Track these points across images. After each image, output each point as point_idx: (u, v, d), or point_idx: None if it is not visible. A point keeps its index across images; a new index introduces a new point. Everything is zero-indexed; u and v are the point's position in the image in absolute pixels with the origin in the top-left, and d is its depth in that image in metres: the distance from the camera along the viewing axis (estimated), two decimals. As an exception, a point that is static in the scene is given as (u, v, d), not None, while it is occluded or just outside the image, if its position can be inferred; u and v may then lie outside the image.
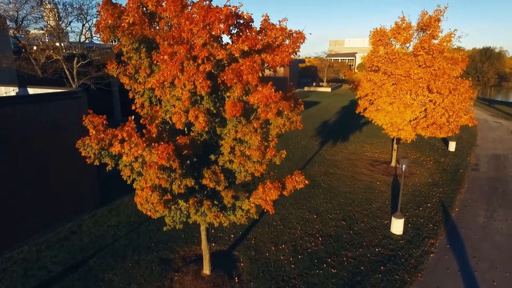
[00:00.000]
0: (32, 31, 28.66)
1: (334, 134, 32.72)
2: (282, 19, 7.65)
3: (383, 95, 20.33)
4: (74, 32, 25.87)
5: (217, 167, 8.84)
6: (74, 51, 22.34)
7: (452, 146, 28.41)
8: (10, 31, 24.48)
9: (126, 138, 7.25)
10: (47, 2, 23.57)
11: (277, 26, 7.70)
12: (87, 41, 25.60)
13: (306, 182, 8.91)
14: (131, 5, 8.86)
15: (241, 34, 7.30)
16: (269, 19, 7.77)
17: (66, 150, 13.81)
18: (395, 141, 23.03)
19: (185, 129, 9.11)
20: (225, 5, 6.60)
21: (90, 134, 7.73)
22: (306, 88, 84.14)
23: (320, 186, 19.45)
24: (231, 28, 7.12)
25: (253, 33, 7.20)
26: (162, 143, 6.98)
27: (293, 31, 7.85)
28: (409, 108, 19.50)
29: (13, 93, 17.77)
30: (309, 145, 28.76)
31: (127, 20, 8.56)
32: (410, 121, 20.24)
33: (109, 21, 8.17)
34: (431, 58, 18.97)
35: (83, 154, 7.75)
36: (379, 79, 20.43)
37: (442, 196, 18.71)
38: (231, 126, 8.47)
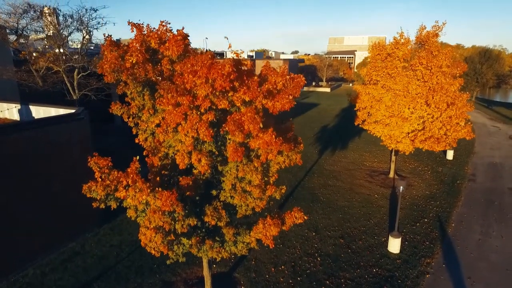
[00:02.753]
0: (32, 36, 28.74)
1: (333, 141, 32.97)
2: (283, 65, 7.83)
3: (381, 108, 20.55)
4: (74, 42, 25.93)
5: (219, 202, 9.07)
6: (75, 64, 22.46)
7: (450, 154, 28.69)
8: (10, 41, 24.56)
9: (131, 184, 7.47)
10: (47, 14, 23.61)
11: (278, 71, 7.89)
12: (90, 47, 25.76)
13: (305, 217, 9.16)
14: (135, 44, 9.06)
15: (243, 81, 7.47)
16: (269, 65, 7.95)
17: (67, 171, 14.11)
18: (393, 153, 23.28)
19: (188, 165, 9.32)
20: (226, 63, 6.79)
21: (96, 177, 7.95)
22: (305, 88, 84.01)
23: (319, 200, 19.73)
24: (233, 77, 7.28)
25: (254, 82, 7.38)
26: (165, 192, 7.18)
27: (293, 75, 8.05)
28: (407, 122, 19.72)
29: (15, 110, 17.93)
30: (309, 153, 28.97)
31: (130, 60, 8.75)
32: (408, 133, 20.47)
33: (113, 64, 8.34)
34: (429, 73, 19.17)
35: (88, 196, 7.97)
36: (378, 93, 20.62)
37: (439, 210, 19.01)
38: (232, 165, 8.68)
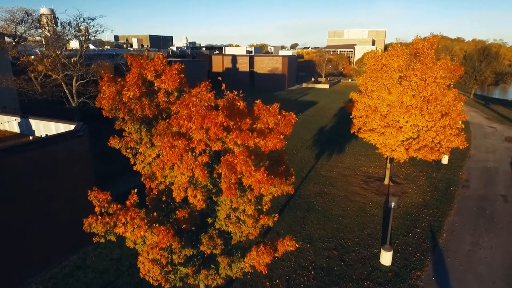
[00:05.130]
0: (30, 39, 28.80)
1: (330, 144, 33.32)
2: (275, 104, 8.13)
3: (376, 118, 20.87)
4: (72, 49, 26.07)
5: (214, 231, 9.46)
6: (73, 73, 22.64)
7: (445, 158, 29.01)
8: (9, 48, 24.66)
9: (129, 221, 7.83)
10: (45, 21, 23.67)
11: (271, 110, 8.18)
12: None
13: (297, 245, 9.56)
14: (131, 78, 9.35)
15: (236, 122, 7.78)
16: (262, 105, 8.25)
17: (68, 187, 14.49)
18: (388, 160, 23.65)
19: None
20: (220, 113, 7.08)
21: (96, 211, 8.31)
22: (304, 85, 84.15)
23: (315, 209, 20.15)
24: (226, 125, 7.57)
25: (246, 124, 7.69)
26: (162, 228, 7.55)
27: (284, 113, 8.35)
28: (401, 132, 20.04)
29: (15, 122, 18.20)
30: (305, 158, 29.36)
31: (127, 95, 9.06)
32: (403, 141, 20.82)
33: (111, 101, 8.63)
34: (424, 84, 19.43)
35: (88, 231, 8.34)
36: (373, 102, 20.91)
37: (432, 219, 19.45)
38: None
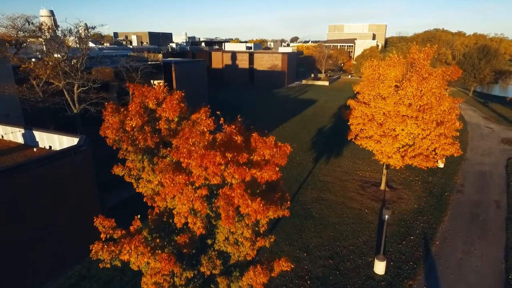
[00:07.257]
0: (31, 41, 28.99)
1: (329, 146, 33.73)
2: (270, 136, 8.55)
3: (373, 126, 21.27)
4: (74, 58, 26.17)
5: (213, 252, 9.97)
6: (74, 81, 22.95)
7: (441, 162, 29.48)
8: (10, 56, 24.90)
9: (133, 249, 8.31)
10: (45, 29, 23.88)
11: (267, 142, 8.61)
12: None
13: (292, 266, 10.07)
14: (134, 108, 9.75)
15: (233, 156, 8.21)
16: (258, 137, 8.67)
17: (71, 199, 14.98)
18: (384, 166, 24.11)
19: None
20: (218, 153, 7.50)
21: (102, 237, 8.79)
22: (304, 81, 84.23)
23: (312, 216, 20.68)
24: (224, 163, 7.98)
25: (243, 158, 8.12)
26: (164, 254, 8.04)
27: (279, 144, 8.77)
28: (397, 141, 20.46)
29: (19, 134, 18.61)
30: (304, 161, 29.82)
31: (130, 124, 9.48)
32: (399, 148, 21.26)
33: (115, 131, 9.05)
34: (419, 93, 19.79)
35: (94, 258, 8.83)
36: (370, 111, 21.31)
37: (426, 226, 19.98)
38: (225, 221, 9.49)
